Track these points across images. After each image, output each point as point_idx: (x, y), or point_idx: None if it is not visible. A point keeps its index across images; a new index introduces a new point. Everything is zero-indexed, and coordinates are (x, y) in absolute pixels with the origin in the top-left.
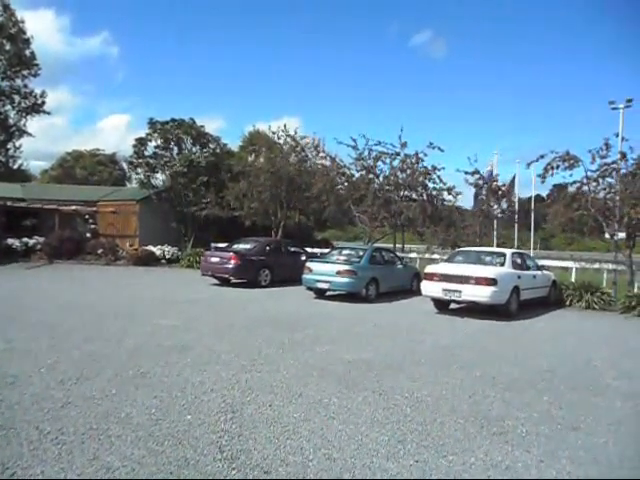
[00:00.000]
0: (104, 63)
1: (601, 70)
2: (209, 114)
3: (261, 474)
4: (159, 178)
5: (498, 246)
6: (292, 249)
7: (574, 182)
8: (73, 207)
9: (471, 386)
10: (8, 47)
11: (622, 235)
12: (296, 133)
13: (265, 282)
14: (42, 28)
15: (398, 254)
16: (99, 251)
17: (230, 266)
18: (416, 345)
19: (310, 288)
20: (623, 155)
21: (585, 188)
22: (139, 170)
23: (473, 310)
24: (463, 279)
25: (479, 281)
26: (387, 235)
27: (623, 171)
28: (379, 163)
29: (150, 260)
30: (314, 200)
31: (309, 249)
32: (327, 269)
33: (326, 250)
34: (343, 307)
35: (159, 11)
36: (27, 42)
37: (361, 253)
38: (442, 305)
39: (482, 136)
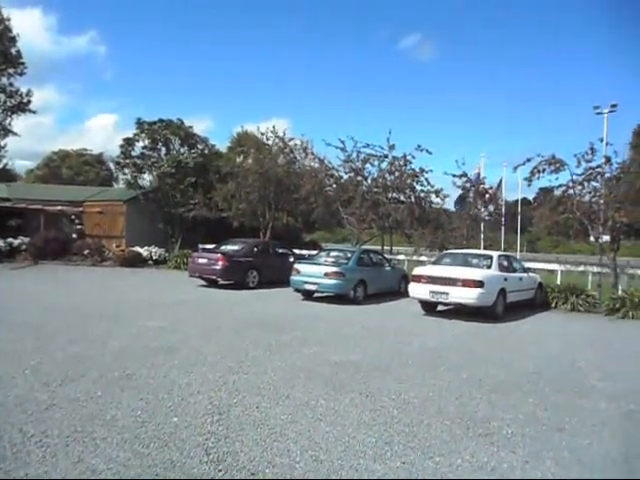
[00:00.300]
0: (91, 62)
1: (590, 74)
2: (197, 115)
3: (248, 476)
4: (146, 179)
5: (485, 248)
6: (280, 250)
7: (560, 186)
8: (59, 207)
9: (458, 388)
10: None
11: (606, 238)
12: (285, 134)
13: (253, 283)
14: (28, 26)
15: (386, 256)
16: (85, 252)
17: (218, 267)
18: (403, 347)
19: (298, 290)
20: (608, 159)
21: (571, 192)
22: (126, 170)
23: (460, 312)
24: (450, 281)
25: (466, 283)
26: (375, 237)
27: (608, 175)
28: (367, 165)
29: (137, 261)
30: (302, 201)
31: (297, 251)
32: (315, 271)
33: (314, 252)
34: (331, 309)
35: (147, 10)
36: (13, 40)
37: (349, 255)
38: (429, 307)
39: (470, 139)
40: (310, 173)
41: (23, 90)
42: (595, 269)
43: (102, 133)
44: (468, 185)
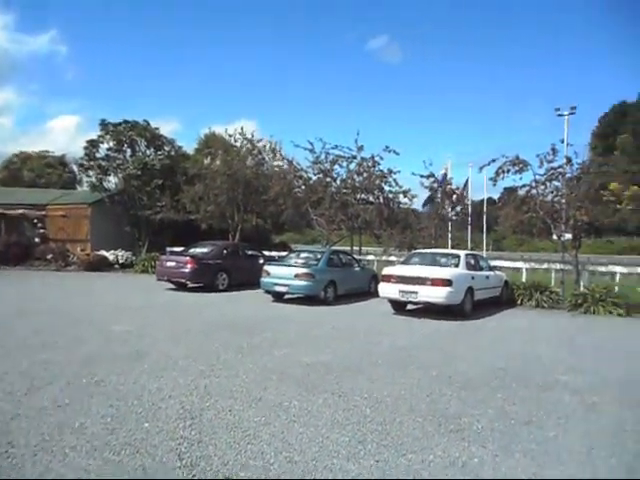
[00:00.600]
0: (52, 62)
1: (548, 74)
2: (164, 116)
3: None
4: (112, 181)
5: (452, 248)
6: (249, 252)
7: (524, 185)
8: (20, 211)
9: (428, 385)
10: None
11: (568, 236)
12: (253, 136)
13: (222, 286)
14: None
15: (355, 256)
16: (49, 256)
17: (186, 270)
18: (374, 347)
19: (268, 291)
20: (569, 160)
21: (534, 191)
22: (90, 173)
23: (429, 310)
24: (419, 280)
25: (435, 282)
26: (344, 238)
27: (569, 175)
28: (336, 166)
29: (103, 265)
30: (271, 203)
31: (267, 252)
32: (285, 272)
33: (284, 253)
34: (301, 310)
35: (109, 11)
36: None
37: (319, 256)
38: (399, 306)
39: (438, 140)
40: (279, 174)
41: None
42: (558, 266)
43: (64, 134)
44: (436, 185)
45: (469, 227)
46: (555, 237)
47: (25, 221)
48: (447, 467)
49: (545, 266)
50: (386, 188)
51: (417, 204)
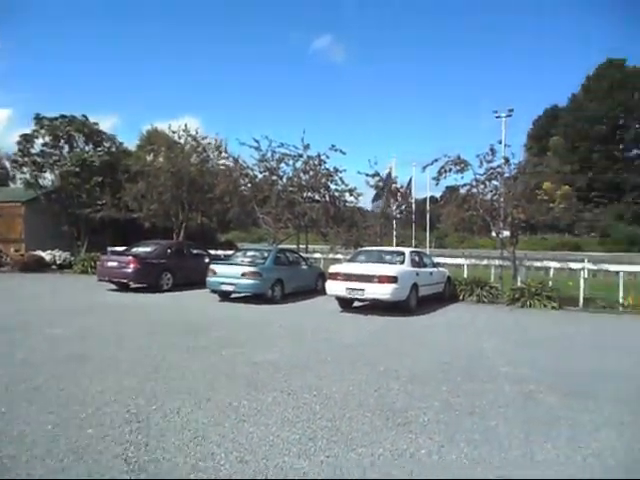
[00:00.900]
0: None
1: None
2: (103, 112)
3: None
4: (48, 178)
5: (397, 245)
6: (195, 251)
7: (465, 185)
8: None
9: (376, 381)
10: None
11: (507, 233)
12: (197, 133)
13: (167, 286)
14: None
15: (302, 255)
16: None
17: (129, 270)
18: (322, 344)
19: (214, 291)
20: (506, 160)
21: (474, 190)
22: (24, 169)
23: (376, 307)
24: (366, 278)
25: (381, 279)
26: (291, 236)
27: (506, 175)
28: (282, 165)
29: (39, 266)
30: (217, 201)
31: (213, 251)
32: (232, 271)
33: (230, 252)
34: (249, 309)
35: (44, 2)
36: None
37: (266, 254)
38: (346, 304)
39: (383, 140)
40: (224, 172)
41: None
42: (497, 262)
43: None
44: (381, 184)
45: (413, 225)
46: (494, 234)
47: None
48: (396, 459)
49: (485, 262)
50: (332, 187)
51: (363, 202)
